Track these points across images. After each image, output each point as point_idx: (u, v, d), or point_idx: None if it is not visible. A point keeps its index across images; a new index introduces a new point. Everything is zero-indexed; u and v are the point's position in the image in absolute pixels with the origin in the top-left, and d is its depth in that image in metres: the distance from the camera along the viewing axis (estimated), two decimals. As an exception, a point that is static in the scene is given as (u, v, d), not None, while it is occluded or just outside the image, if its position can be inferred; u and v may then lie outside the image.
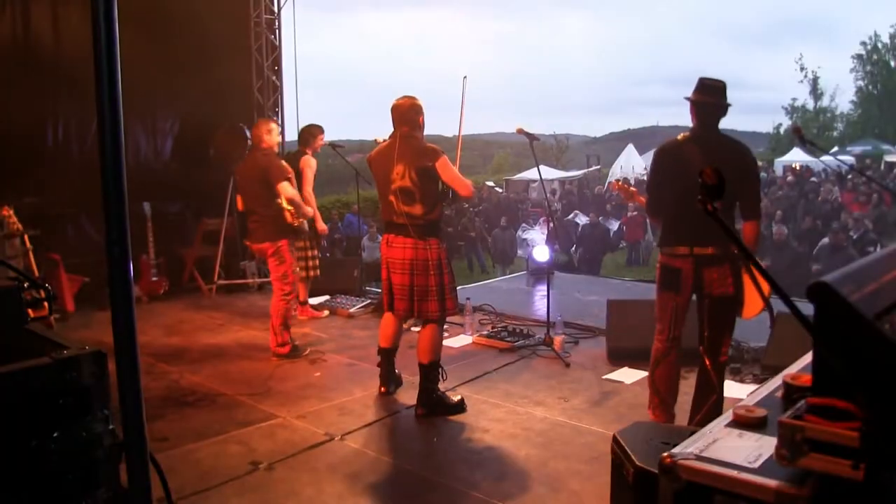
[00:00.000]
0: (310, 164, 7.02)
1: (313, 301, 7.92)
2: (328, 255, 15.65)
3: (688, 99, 4.11)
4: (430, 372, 4.77)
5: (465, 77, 5.31)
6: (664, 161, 4.20)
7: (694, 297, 4.19)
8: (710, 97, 4.04)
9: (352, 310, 7.58)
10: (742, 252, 1.47)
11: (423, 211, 4.59)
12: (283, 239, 5.95)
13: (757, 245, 4.03)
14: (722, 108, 4.07)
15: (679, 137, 4.17)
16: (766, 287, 3.99)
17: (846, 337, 1.35)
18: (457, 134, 5.46)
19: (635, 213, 17.63)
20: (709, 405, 4.10)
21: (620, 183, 5.00)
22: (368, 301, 7.82)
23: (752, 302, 4.07)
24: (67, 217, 8.01)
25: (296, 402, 5.00)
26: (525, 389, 5.27)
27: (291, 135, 10.13)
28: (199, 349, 6.33)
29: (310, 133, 7.27)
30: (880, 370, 1.32)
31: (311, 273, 7.36)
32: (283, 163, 6.09)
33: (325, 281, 8.37)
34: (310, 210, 6.32)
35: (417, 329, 6.79)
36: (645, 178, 26.95)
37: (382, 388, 5.13)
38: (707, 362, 4.13)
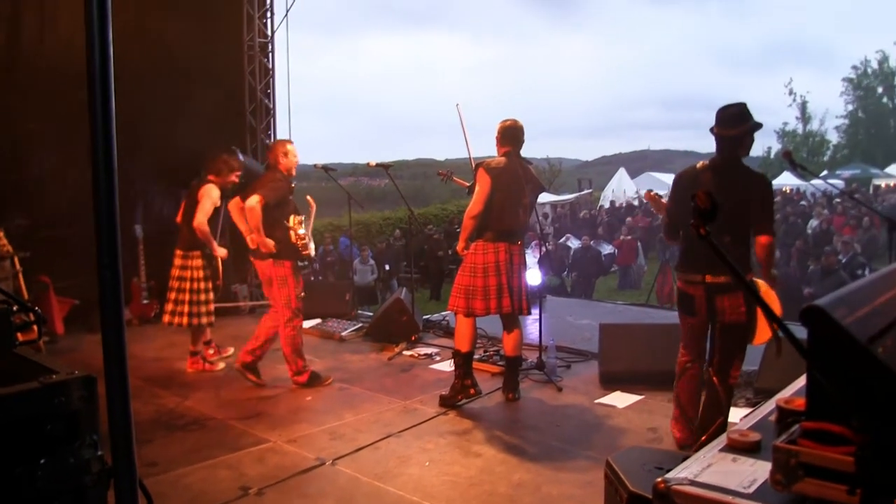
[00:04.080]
0: (209, 193, 6.13)
1: (304, 324, 7.88)
2: (320, 277, 15.65)
3: (711, 131, 4.17)
4: (519, 363, 5.61)
5: (457, 104, 5.58)
6: (680, 188, 4.28)
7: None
8: (729, 129, 4.07)
9: (343, 333, 7.56)
10: (735, 277, 1.47)
11: (527, 223, 5.51)
12: (287, 261, 5.68)
13: (772, 258, 4.09)
14: (739, 138, 4.08)
15: (697, 166, 4.27)
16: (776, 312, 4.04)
17: (840, 361, 1.35)
18: (466, 157, 5.85)
19: (628, 236, 17.68)
20: (715, 426, 4.13)
21: (652, 193, 4.98)
22: (360, 325, 7.80)
23: (762, 329, 4.11)
24: (58, 239, 7.97)
25: (286, 427, 4.96)
26: (517, 413, 5.25)
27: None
28: (189, 373, 6.29)
29: (224, 163, 6.38)
30: (874, 394, 1.31)
31: (200, 320, 6.27)
32: (269, 184, 5.62)
33: (317, 304, 8.35)
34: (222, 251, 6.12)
35: (410, 353, 6.81)
36: (636, 202, 27.14)
37: (472, 391, 5.40)
38: (716, 383, 4.19)
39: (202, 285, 6.23)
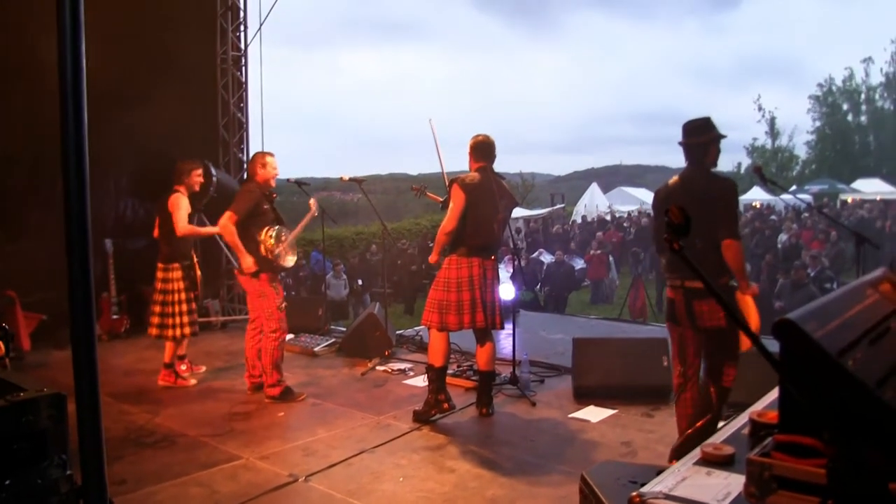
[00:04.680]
0: (178, 204, 6.16)
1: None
2: (293, 293, 15.56)
3: (679, 144, 4.29)
4: (493, 378, 5.60)
5: (430, 119, 5.66)
6: (658, 202, 4.45)
7: None
8: (692, 138, 4.23)
9: (316, 349, 7.51)
10: (707, 287, 1.48)
11: (501, 238, 5.54)
12: (263, 273, 5.72)
13: (740, 262, 4.13)
14: (703, 145, 4.22)
15: (670, 182, 4.38)
16: (753, 322, 4.07)
17: (811, 374, 1.36)
18: (439, 172, 5.88)
19: (599, 251, 17.77)
20: (703, 422, 4.11)
21: None
22: (333, 340, 7.75)
23: (744, 336, 4.10)
24: (25, 254, 7.84)
25: (259, 443, 4.91)
26: (491, 428, 5.24)
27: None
28: (159, 389, 6.21)
29: (182, 168, 6.35)
30: (844, 406, 1.33)
31: (183, 331, 6.30)
32: (248, 195, 5.74)
33: (290, 319, 8.28)
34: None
35: (383, 368, 6.78)
36: (608, 216, 27.38)
37: (446, 406, 5.39)
38: (710, 387, 4.19)
39: (183, 296, 6.29)
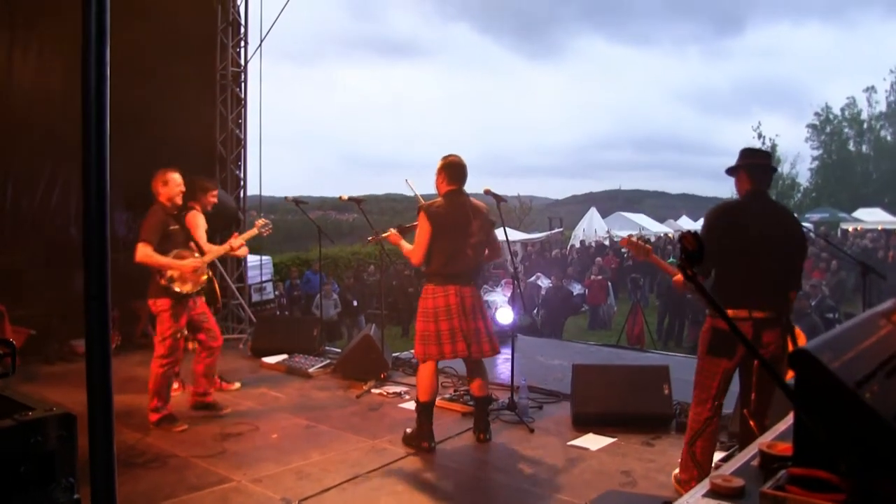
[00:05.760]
0: (196, 222, 6.09)
1: (270, 360, 7.79)
2: (287, 312, 15.50)
3: (735, 167, 4.09)
4: (489, 402, 5.55)
5: (406, 179, 5.70)
6: (719, 223, 4.03)
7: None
8: (760, 159, 4.11)
9: (311, 370, 7.44)
10: (722, 316, 1.45)
11: (479, 263, 5.24)
12: (161, 299, 5.57)
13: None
14: (771, 169, 4.17)
15: (732, 201, 4.21)
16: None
17: (828, 405, 1.33)
18: (435, 193, 5.71)
19: (598, 276, 17.76)
20: None
21: (634, 239, 4.64)
22: (328, 361, 7.68)
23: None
24: (13, 268, 7.78)
25: (251, 465, 4.84)
26: (488, 455, 5.18)
27: (253, 189, 10.14)
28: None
29: (199, 187, 6.31)
30: (862, 439, 1.29)
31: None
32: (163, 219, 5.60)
33: (283, 339, 8.24)
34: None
35: (379, 391, 6.71)
36: (606, 241, 27.36)
37: (425, 445, 5.17)
38: (752, 423, 3.94)
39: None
